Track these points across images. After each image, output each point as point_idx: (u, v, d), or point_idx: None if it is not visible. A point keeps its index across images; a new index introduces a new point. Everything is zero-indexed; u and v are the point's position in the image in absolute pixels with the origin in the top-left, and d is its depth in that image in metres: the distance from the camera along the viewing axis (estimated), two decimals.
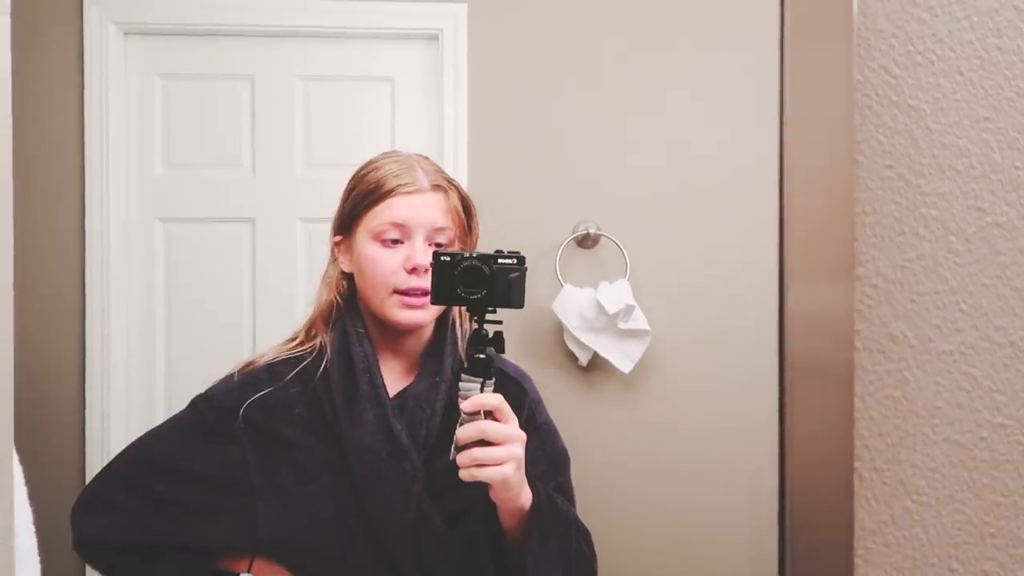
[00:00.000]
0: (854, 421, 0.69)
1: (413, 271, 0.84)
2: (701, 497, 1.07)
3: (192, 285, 1.29)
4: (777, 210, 0.75)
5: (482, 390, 0.74)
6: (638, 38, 1.15)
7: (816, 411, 0.68)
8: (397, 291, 0.84)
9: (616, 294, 1.13)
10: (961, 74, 0.73)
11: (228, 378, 0.89)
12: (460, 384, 0.75)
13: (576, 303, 1.13)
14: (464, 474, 0.74)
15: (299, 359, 0.87)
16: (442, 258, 0.77)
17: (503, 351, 0.77)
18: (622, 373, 1.12)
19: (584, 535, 0.85)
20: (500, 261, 0.77)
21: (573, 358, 1.14)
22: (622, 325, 1.13)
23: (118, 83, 1.29)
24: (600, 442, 1.11)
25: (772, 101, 0.74)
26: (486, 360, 0.75)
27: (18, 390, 0.54)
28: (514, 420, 0.76)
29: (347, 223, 0.88)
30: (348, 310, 0.87)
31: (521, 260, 0.78)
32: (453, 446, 0.74)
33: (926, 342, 0.73)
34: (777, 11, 0.70)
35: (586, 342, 1.13)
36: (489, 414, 0.74)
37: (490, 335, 0.76)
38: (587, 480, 0.98)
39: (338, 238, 0.89)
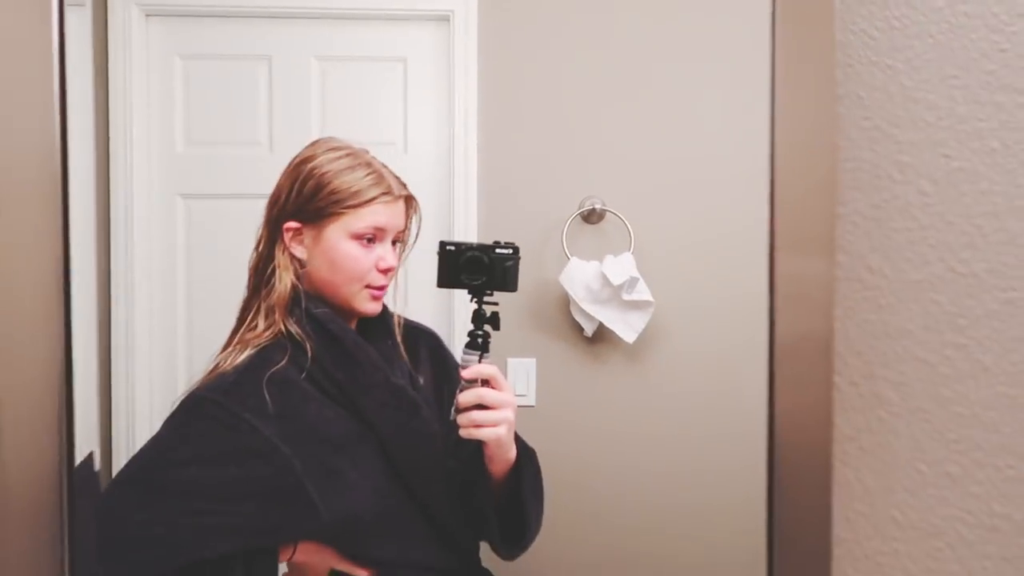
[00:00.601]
0: (833, 343, 0.77)
1: (384, 271, 0.93)
2: (700, 456, 1.10)
3: (213, 260, 1.31)
4: (769, 171, 0.82)
5: (480, 361, 0.84)
6: (641, 18, 1.19)
7: (800, 334, 0.76)
8: (368, 286, 0.93)
9: (621, 267, 1.16)
10: (931, 36, 0.82)
11: (220, 376, 0.87)
12: (462, 356, 0.86)
13: (582, 275, 1.17)
14: (464, 433, 0.84)
15: (278, 344, 0.88)
16: (448, 248, 0.88)
17: (499, 328, 0.88)
18: (626, 343, 1.14)
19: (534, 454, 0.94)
20: (497, 251, 0.88)
21: (579, 329, 1.17)
22: (626, 296, 1.16)
23: (140, 63, 1.32)
24: (605, 408, 1.15)
25: (764, 68, 0.81)
26: (485, 336, 0.85)
27: None
28: (509, 388, 0.86)
29: (312, 215, 0.92)
30: (305, 294, 0.90)
31: (515, 250, 0.90)
32: (454, 408, 0.84)
33: (899, 272, 0.82)
34: None
35: (592, 313, 1.16)
36: (486, 382, 0.84)
37: (488, 315, 0.87)
38: (592, 444, 1.04)
39: (296, 225, 0.93)
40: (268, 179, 1.35)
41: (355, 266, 0.92)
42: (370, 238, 0.93)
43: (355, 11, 1.40)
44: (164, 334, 1.29)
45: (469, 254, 0.88)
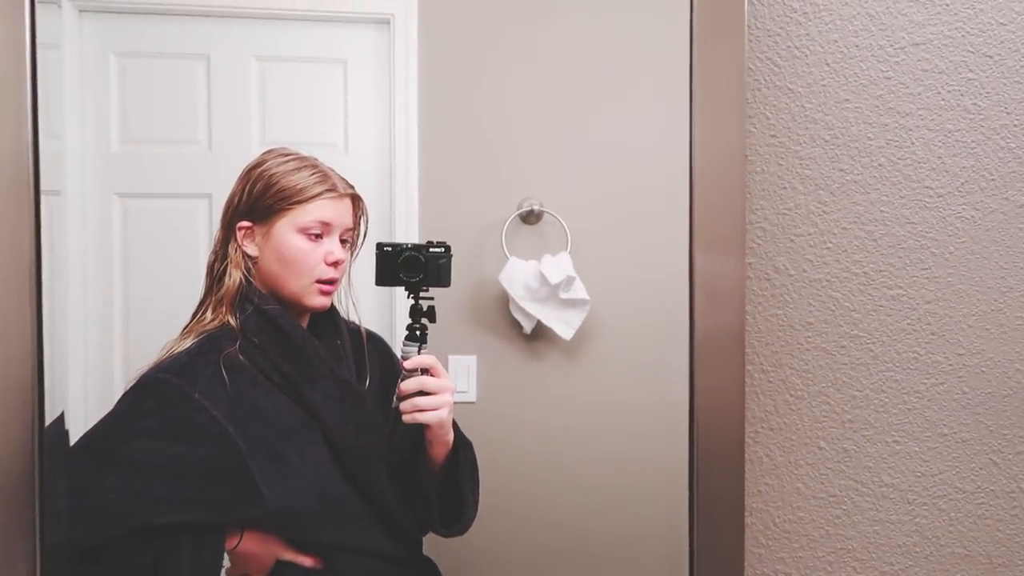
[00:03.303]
0: (745, 335, 0.85)
1: (333, 264, 0.97)
2: (631, 446, 1.14)
3: (150, 259, 1.30)
4: (688, 181, 0.88)
5: (419, 352, 0.91)
6: (577, 26, 1.22)
7: (716, 327, 0.84)
8: (318, 280, 0.97)
9: (558, 266, 1.17)
10: (828, 65, 0.91)
11: (173, 357, 0.88)
12: (402, 348, 0.92)
13: (521, 274, 1.18)
14: (407, 418, 0.90)
15: (226, 334, 0.90)
16: (385, 249, 0.93)
17: (435, 321, 0.94)
18: (564, 339, 1.15)
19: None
20: (431, 250, 0.95)
21: (518, 326, 1.18)
22: (563, 295, 1.18)
23: (73, 60, 1.30)
24: (544, 402, 1.18)
25: (684, 85, 0.88)
26: (423, 329, 0.92)
27: None
28: (446, 375, 0.92)
29: (262, 213, 0.95)
30: (256, 291, 0.93)
31: (447, 249, 0.96)
32: (396, 396, 0.90)
33: (801, 272, 0.92)
34: (687, 13, 0.85)
35: (530, 311, 1.17)
36: (426, 371, 0.91)
37: (425, 309, 0.93)
38: (531, 437, 1.08)
39: (248, 224, 0.95)
40: (206, 178, 1.31)
41: (303, 259, 0.95)
42: (318, 233, 0.96)
43: (294, 12, 1.39)
44: (100, 333, 1.27)
45: (406, 254, 0.94)
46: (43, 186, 0.83)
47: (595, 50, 1.24)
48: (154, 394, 0.87)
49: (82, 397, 1.21)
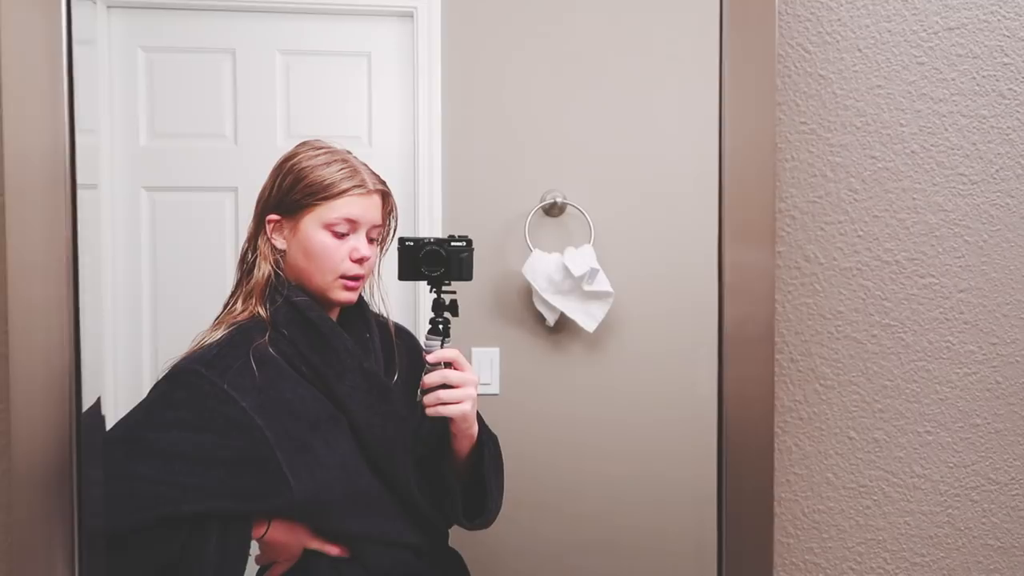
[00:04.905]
0: (774, 324, 0.85)
1: (358, 261, 0.98)
2: (656, 438, 1.14)
3: (177, 251, 1.31)
4: (718, 170, 0.85)
5: (442, 346, 0.91)
6: (602, 15, 1.22)
7: (745, 316, 0.83)
8: (342, 276, 0.98)
9: (581, 258, 1.17)
10: (859, 51, 0.90)
11: (203, 349, 0.90)
12: (424, 342, 0.92)
13: (544, 267, 1.18)
14: (430, 411, 0.91)
15: (256, 325, 0.91)
16: (407, 243, 0.93)
17: (457, 315, 0.94)
18: (587, 332, 1.15)
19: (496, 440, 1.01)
20: (452, 244, 0.95)
21: (541, 319, 1.19)
22: (587, 287, 1.18)
23: (103, 56, 1.31)
24: (567, 395, 1.18)
25: (714, 72, 0.87)
26: (445, 322, 0.92)
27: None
28: (470, 368, 0.93)
29: (290, 208, 0.96)
30: (283, 282, 0.95)
31: (469, 243, 0.96)
32: (420, 390, 0.91)
33: (831, 261, 0.91)
34: (715, 1, 0.83)
35: (553, 303, 1.17)
36: (448, 364, 0.91)
37: (447, 303, 0.93)
38: (555, 429, 1.09)
39: (277, 218, 0.96)
40: (232, 172, 1.33)
41: (327, 255, 0.96)
42: (344, 231, 0.96)
43: (319, 6, 1.40)
44: (129, 323, 1.28)
45: (427, 248, 0.94)
46: (79, 180, 0.84)
47: (621, 40, 1.23)
48: (185, 385, 0.88)
49: (112, 385, 1.23)
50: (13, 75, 0.74)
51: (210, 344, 0.91)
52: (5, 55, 0.73)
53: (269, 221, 0.97)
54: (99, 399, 0.97)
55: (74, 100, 0.76)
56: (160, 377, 0.90)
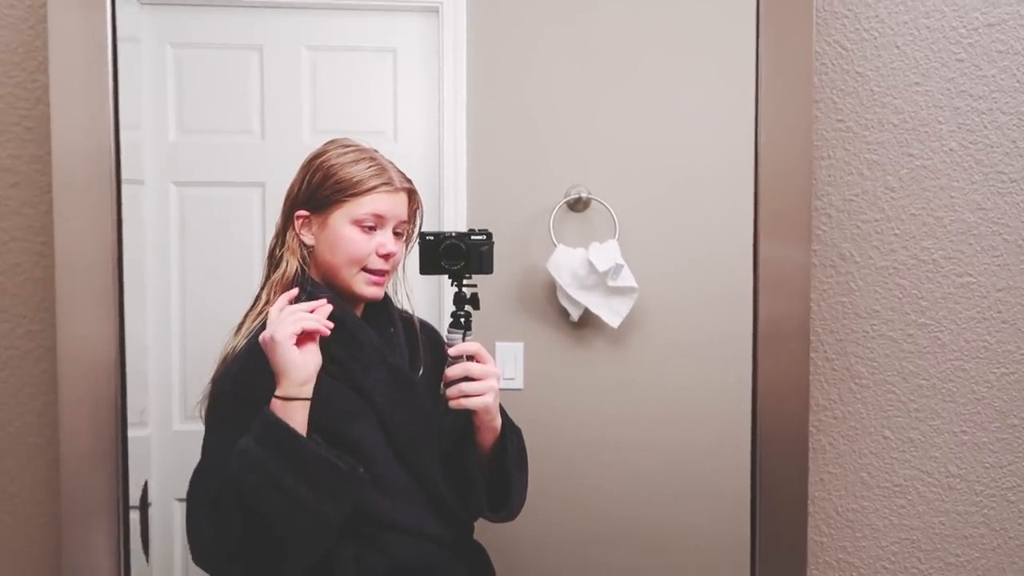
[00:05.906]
0: (809, 322, 0.85)
1: (384, 256, 0.99)
2: (683, 435, 1.14)
3: (206, 245, 1.33)
4: (754, 166, 0.86)
5: (463, 339, 0.92)
6: (629, 9, 1.21)
7: (780, 314, 0.83)
8: (367, 270, 0.99)
9: (606, 253, 1.16)
10: (897, 47, 0.90)
11: (227, 367, 0.92)
12: (446, 336, 0.93)
13: (569, 262, 1.17)
14: (453, 404, 0.91)
15: None
16: (427, 237, 0.94)
17: (479, 308, 0.94)
18: (611, 328, 1.14)
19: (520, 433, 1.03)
20: (472, 238, 0.95)
21: (565, 314, 1.18)
22: (611, 283, 1.17)
23: (136, 52, 1.32)
24: (591, 390, 1.18)
25: (749, 68, 0.86)
26: (467, 316, 0.93)
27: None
28: (491, 361, 0.93)
29: (319, 204, 0.97)
30: (307, 278, 0.96)
31: (489, 236, 0.96)
32: (443, 383, 0.92)
33: (867, 259, 0.91)
34: None
35: (577, 298, 1.16)
36: (471, 358, 0.92)
37: (468, 296, 0.94)
38: (578, 425, 1.09)
39: (306, 214, 0.97)
40: (260, 167, 1.34)
41: (354, 249, 0.97)
42: (371, 226, 0.98)
43: (344, 2, 1.40)
44: (158, 315, 1.30)
45: (447, 242, 0.95)
46: (123, 175, 0.86)
47: (647, 34, 1.22)
48: (221, 406, 0.92)
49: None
50: (60, 73, 0.75)
51: (233, 359, 0.92)
52: (53, 54, 0.75)
53: (298, 217, 0.98)
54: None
55: (119, 96, 0.77)
56: (203, 407, 0.94)
